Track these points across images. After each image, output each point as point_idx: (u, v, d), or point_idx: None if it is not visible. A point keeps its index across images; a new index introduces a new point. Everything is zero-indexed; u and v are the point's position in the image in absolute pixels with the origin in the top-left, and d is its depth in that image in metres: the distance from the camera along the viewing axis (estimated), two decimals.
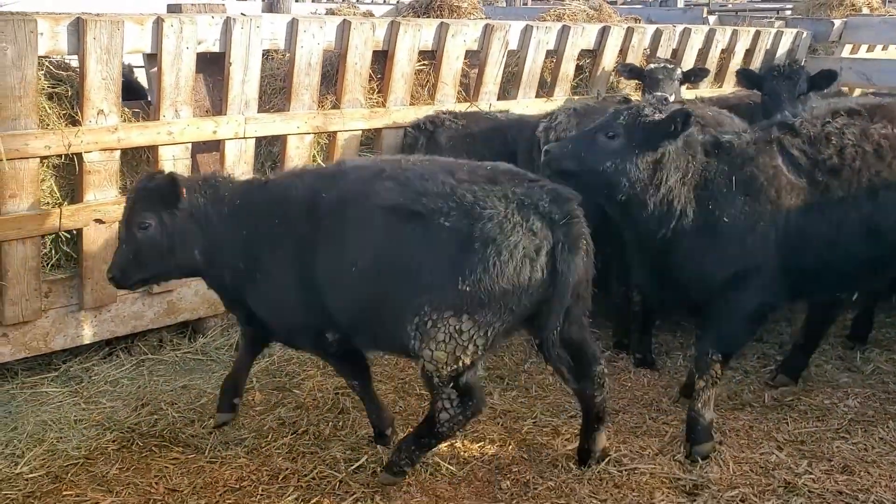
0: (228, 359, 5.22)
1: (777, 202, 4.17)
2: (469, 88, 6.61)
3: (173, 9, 5.30)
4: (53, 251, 4.96)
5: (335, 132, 5.79)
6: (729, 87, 8.32)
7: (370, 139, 6.16)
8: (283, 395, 4.80)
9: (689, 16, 11.02)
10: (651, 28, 7.72)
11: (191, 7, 5.27)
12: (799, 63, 6.60)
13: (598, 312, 5.85)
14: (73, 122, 4.72)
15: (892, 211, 4.23)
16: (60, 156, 4.74)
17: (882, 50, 10.04)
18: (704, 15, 10.62)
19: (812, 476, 3.99)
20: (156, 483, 3.93)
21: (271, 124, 5.44)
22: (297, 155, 5.61)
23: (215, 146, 5.39)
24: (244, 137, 5.33)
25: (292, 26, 5.39)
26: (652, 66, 6.80)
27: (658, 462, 4.11)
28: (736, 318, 4.27)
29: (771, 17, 11.97)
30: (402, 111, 6.04)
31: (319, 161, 5.85)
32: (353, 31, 5.60)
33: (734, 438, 4.35)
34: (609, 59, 7.32)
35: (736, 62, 8.28)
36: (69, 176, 4.89)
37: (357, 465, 4.06)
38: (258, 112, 5.38)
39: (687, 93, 7.34)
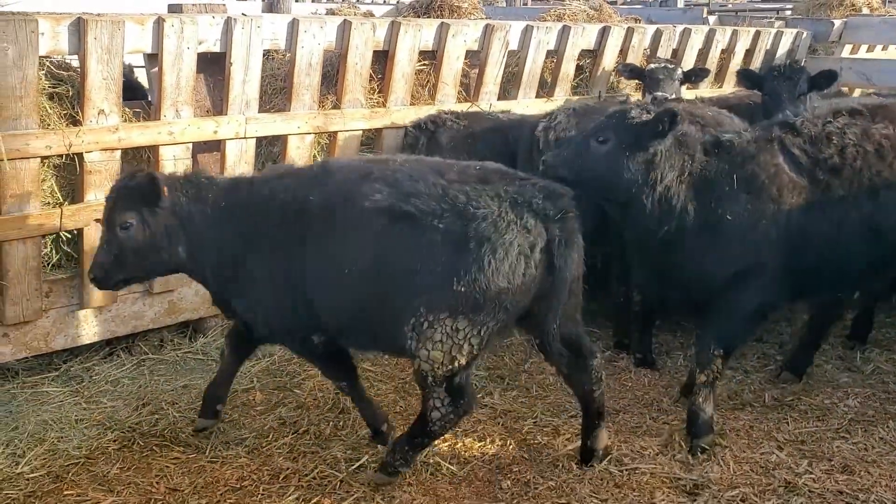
0: None
1: (779, 200, 4.19)
2: (469, 88, 6.62)
3: (174, 9, 5.30)
4: (54, 251, 4.96)
5: (336, 132, 5.79)
6: (729, 87, 8.32)
7: (371, 139, 6.16)
8: (284, 395, 4.80)
9: (689, 16, 11.03)
10: (651, 28, 7.72)
11: (191, 7, 5.28)
12: (799, 63, 6.61)
13: (598, 312, 5.91)
14: (74, 121, 4.72)
15: (893, 211, 4.24)
16: (61, 156, 4.74)
17: (882, 50, 10.04)
18: (704, 15, 10.63)
19: (812, 476, 4.00)
20: (157, 483, 3.93)
21: (272, 124, 5.45)
22: (298, 155, 5.61)
23: (216, 146, 5.39)
24: (245, 137, 5.33)
25: (293, 26, 5.39)
26: (652, 66, 6.81)
27: (659, 462, 4.12)
28: (737, 316, 4.30)
29: (771, 18, 11.99)
30: (402, 111, 6.04)
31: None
32: (353, 31, 5.61)
33: (735, 438, 4.35)
34: (609, 60, 7.32)
35: (736, 62, 8.29)
36: (70, 176, 4.89)
37: (358, 464, 4.06)
38: (259, 112, 5.38)
39: (687, 93, 7.35)
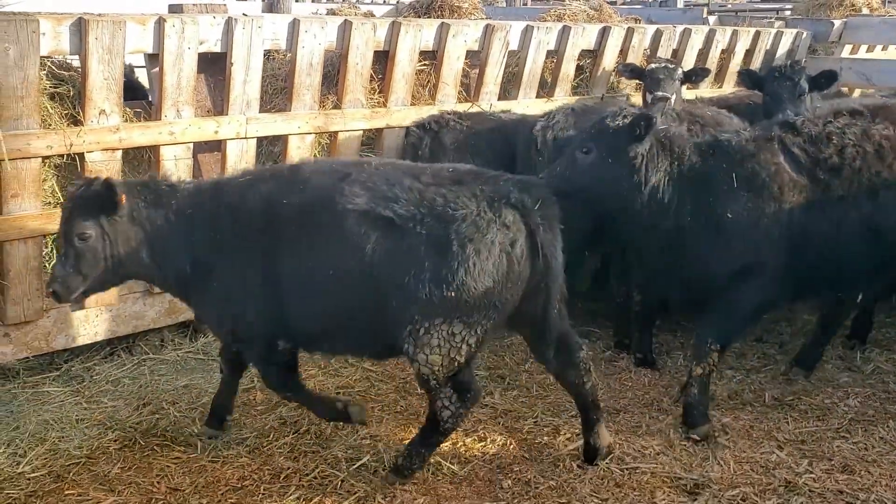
0: None
1: (780, 199, 4.21)
2: (470, 89, 6.62)
3: (175, 9, 5.31)
4: (55, 251, 4.96)
5: (336, 132, 5.80)
6: (729, 87, 8.33)
7: (371, 139, 6.17)
8: None
9: (688, 16, 11.03)
10: (651, 28, 7.73)
11: (192, 7, 5.28)
12: (800, 64, 6.61)
13: (598, 312, 5.92)
14: (75, 121, 4.72)
15: (893, 212, 4.25)
16: (62, 156, 4.75)
17: (882, 50, 10.05)
18: (704, 15, 10.63)
19: (812, 475, 4.00)
20: (157, 482, 3.93)
21: (273, 124, 5.45)
22: (299, 155, 5.61)
23: (217, 146, 5.39)
24: (246, 137, 5.33)
25: (294, 26, 5.39)
26: (653, 66, 6.81)
27: (659, 461, 4.12)
28: (736, 313, 4.35)
29: (771, 18, 12.01)
30: (403, 111, 6.04)
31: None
32: (354, 31, 5.61)
33: (735, 438, 4.36)
34: (609, 60, 7.33)
35: (736, 62, 8.29)
36: (71, 176, 4.89)
37: (359, 464, 4.06)
38: (259, 112, 5.39)
39: (687, 93, 7.35)
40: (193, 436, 4.32)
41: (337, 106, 5.77)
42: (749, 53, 8.46)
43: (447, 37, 6.12)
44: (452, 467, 4.05)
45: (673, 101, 6.31)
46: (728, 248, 4.23)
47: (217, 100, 5.46)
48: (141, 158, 5.24)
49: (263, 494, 3.85)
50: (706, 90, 8.03)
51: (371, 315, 3.66)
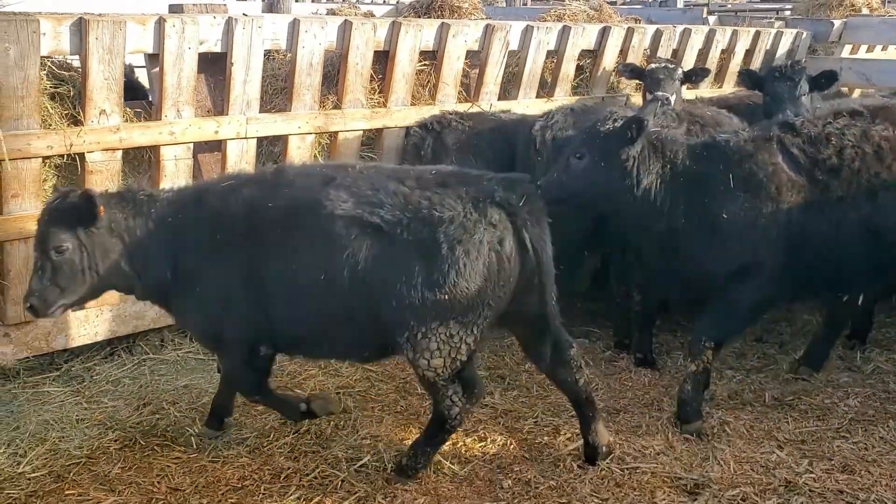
0: None
1: (777, 199, 4.22)
2: (470, 88, 6.62)
3: (175, 9, 5.31)
4: None
5: (336, 132, 5.80)
6: (729, 87, 8.33)
7: (371, 139, 6.17)
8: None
9: (688, 16, 11.04)
10: (651, 28, 7.73)
11: (192, 7, 5.29)
12: (800, 64, 6.61)
13: (598, 312, 5.92)
14: (76, 122, 4.73)
15: (892, 212, 4.25)
16: (62, 156, 4.74)
17: (882, 50, 10.05)
18: (704, 15, 10.64)
19: (813, 475, 4.00)
20: (158, 482, 3.93)
21: (273, 124, 5.45)
22: (299, 155, 5.62)
23: (217, 146, 5.39)
24: (246, 137, 5.33)
25: (294, 26, 5.40)
26: (653, 66, 6.81)
27: (659, 461, 4.12)
28: (733, 312, 4.38)
29: (771, 18, 12.01)
30: (403, 111, 6.04)
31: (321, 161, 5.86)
32: (354, 31, 5.61)
33: (735, 437, 4.36)
34: (609, 60, 7.33)
35: (736, 62, 8.29)
36: (71, 176, 4.89)
37: (359, 464, 4.06)
38: (260, 112, 5.39)
39: (687, 93, 7.35)
40: (194, 436, 4.32)
41: (337, 106, 5.77)
42: (749, 53, 8.46)
43: (447, 37, 6.12)
44: (453, 467, 4.05)
45: (673, 101, 6.31)
46: (724, 249, 4.25)
47: (217, 100, 5.46)
48: (141, 158, 5.24)
49: (264, 494, 3.85)
50: (706, 90, 8.03)
51: (358, 320, 3.68)
